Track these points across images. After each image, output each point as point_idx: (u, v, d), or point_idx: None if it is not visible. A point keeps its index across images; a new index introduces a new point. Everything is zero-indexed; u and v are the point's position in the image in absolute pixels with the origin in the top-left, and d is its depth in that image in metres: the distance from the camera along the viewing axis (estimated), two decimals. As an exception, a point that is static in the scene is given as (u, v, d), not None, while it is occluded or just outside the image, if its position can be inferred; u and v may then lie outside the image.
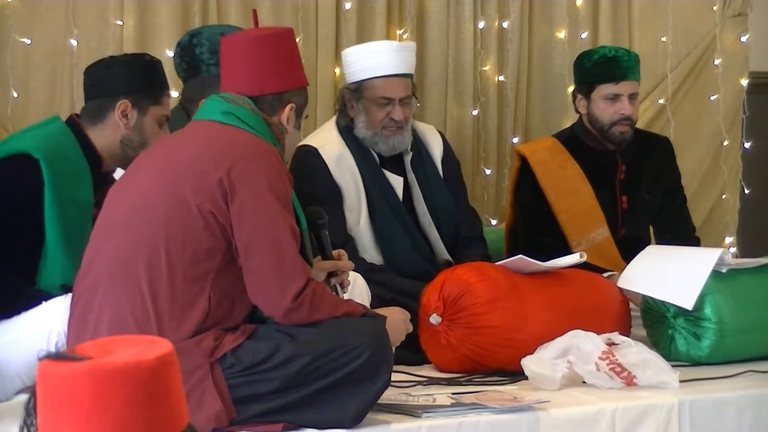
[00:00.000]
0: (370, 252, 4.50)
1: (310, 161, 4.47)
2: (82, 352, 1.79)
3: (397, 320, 3.62)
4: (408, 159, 4.62)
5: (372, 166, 4.54)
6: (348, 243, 4.41)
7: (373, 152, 4.56)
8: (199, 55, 4.35)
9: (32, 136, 3.75)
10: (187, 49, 4.39)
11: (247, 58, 3.51)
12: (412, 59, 4.60)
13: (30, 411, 1.85)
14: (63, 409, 1.76)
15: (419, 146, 4.68)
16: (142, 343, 1.82)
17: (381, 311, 3.59)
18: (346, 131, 4.55)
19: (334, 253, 3.70)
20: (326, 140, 4.54)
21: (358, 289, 4.00)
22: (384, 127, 4.50)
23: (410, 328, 3.70)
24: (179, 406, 1.83)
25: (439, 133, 4.84)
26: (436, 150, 4.73)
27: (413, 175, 4.62)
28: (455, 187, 4.75)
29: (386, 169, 4.58)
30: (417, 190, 4.61)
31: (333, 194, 4.46)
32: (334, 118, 4.65)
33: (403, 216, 4.56)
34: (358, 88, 4.52)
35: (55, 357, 1.77)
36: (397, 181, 4.58)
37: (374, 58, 4.50)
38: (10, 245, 3.62)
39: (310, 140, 4.56)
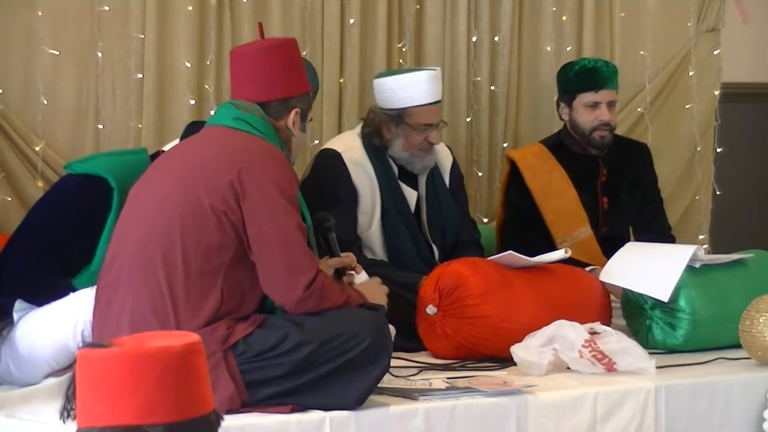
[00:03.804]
0: (378, 255, 4.50)
1: (333, 164, 4.46)
2: (119, 342, 1.81)
3: (375, 291, 3.67)
4: (424, 175, 4.60)
5: (390, 177, 4.52)
6: (356, 242, 4.41)
7: (393, 165, 4.53)
8: None
9: (115, 163, 3.72)
10: None
11: (255, 66, 3.52)
12: (441, 86, 4.60)
13: (69, 397, 1.87)
14: (98, 387, 1.78)
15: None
16: (173, 336, 1.85)
17: (359, 287, 3.61)
18: (369, 143, 4.51)
19: (342, 254, 3.71)
20: (349, 147, 4.51)
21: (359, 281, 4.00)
22: (420, 148, 4.49)
23: (386, 290, 3.76)
24: (204, 391, 1.84)
25: (448, 147, 4.83)
26: (446, 164, 4.73)
27: (425, 190, 4.60)
28: (458, 198, 4.74)
29: (403, 182, 4.56)
30: (426, 204, 4.59)
31: (350, 196, 4.44)
32: (358, 128, 4.60)
33: (412, 226, 4.55)
34: (400, 115, 4.48)
35: (94, 345, 1.79)
36: (411, 195, 4.57)
37: (416, 88, 4.46)
38: (60, 251, 3.61)
39: (334, 144, 4.55)
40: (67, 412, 1.79)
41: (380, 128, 4.51)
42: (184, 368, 1.81)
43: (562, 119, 5.00)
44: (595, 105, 4.87)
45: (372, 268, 4.22)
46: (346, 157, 4.47)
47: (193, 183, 3.32)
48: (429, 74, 4.51)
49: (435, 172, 4.66)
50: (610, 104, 4.89)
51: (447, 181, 4.70)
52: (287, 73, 3.54)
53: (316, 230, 3.72)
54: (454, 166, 4.76)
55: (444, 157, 4.73)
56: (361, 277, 3.86)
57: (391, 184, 4.52)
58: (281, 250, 3.28)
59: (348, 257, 3.75)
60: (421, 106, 4.47)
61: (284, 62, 3.54)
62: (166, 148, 4.25)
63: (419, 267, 4.45)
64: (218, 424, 1.87)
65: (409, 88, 4.48)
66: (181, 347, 1.81)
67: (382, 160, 4.52)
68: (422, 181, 4.61)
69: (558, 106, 5.00)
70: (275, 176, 3.31)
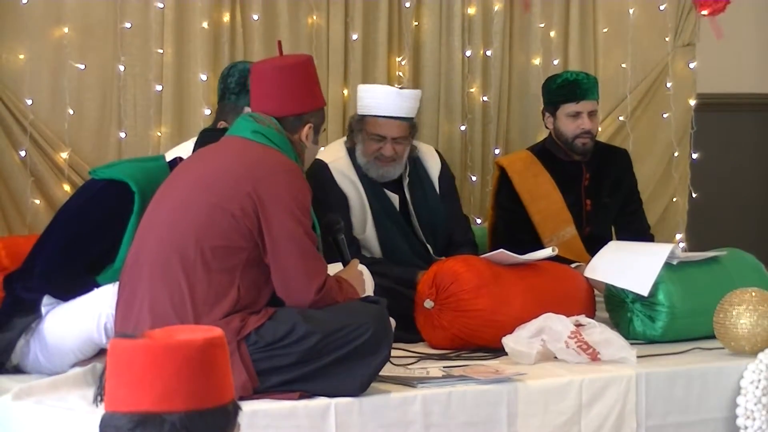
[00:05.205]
0: (376, 255, 4.48)
1: (322, 173, 4.42)
2: (149, 335, 1.82)
3: (355, 276, 3.65)
4: (405, 182, 4.56)
5: (373, 183, 4.49)
6: (354, 243, 4.40)
7: None
8: (228, 84, 4.32)
9: (136, 169, 3.71)
10: (223, 77, 4.38)
11: (273, 83, 3.51)
12: (413, 105, 4.47)
13: (101, 382, 1.87)
14: (123, 375, 1.79)
15: (418, 167, 4.62)
16: (198, 331, 1.86)
17: (341, 273, 3.60)
18: (352, 151, 4.49)
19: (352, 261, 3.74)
20: (335, 157, 4.49)
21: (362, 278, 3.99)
22: (376, 158, 4.44)
23: (367, 273, 3.78)
24: (223, 383, 1.84)
25: (438, 152, 4.78)
26: (434, 169, 4.66)
27: (409, 194, 4.55)
28: (450, 200, 4.69)
29: (385, 186, 4.53)
30: (413, 207, 4.56)
31: (340, 202, 4.41)
32: (344, 137, 4.59)
33: (401, 226, 4.52)
34: (361, 121, 4.45)
35: (125, 336, 1.80)
36: (394, 198, 4.53)
37: (377, 99, 4.41)
38: (85, 250, 3.62)
39: (322, 155, 4.51)
40: (100, 398, 1.79)
41: (352, 131, 4.49)
42: (204, 361, 1.81)
43: (547, 128, 5.00)
44: (576, 115, 4.86)
45: (371, 266, 4.22)
46: (333, 167, 4.44)
47: (212, 189, 3.33)
48: (392, 90, 4.46)
49: (423, 178, 4.63)
50: (591, 114, 4.88)
51: (437, 185, 4.67)
52: (302, 90, 3.53)
53: (327, 233, 3.72)
54: (444, 171, 4.70)
55: (432, 162, 4.68)
56: (362, 269, 3.85)
57: (376, 189, 4.50)
58: (296, 258, 3.29)
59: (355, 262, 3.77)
60: (378, 117, 4.41)
61: (300, 80, 3.53)
62: (175, 150, 4.26)
63: (416, 264, 4.44)
64: (236, 415, 1.86)
65: (372, 98, 4.43)
66: (201, 341, 1.82)
67: None
68: (404, 184, 4.55)
69: (543, 115, 4.99)
70: (290, 189, 3.32)
